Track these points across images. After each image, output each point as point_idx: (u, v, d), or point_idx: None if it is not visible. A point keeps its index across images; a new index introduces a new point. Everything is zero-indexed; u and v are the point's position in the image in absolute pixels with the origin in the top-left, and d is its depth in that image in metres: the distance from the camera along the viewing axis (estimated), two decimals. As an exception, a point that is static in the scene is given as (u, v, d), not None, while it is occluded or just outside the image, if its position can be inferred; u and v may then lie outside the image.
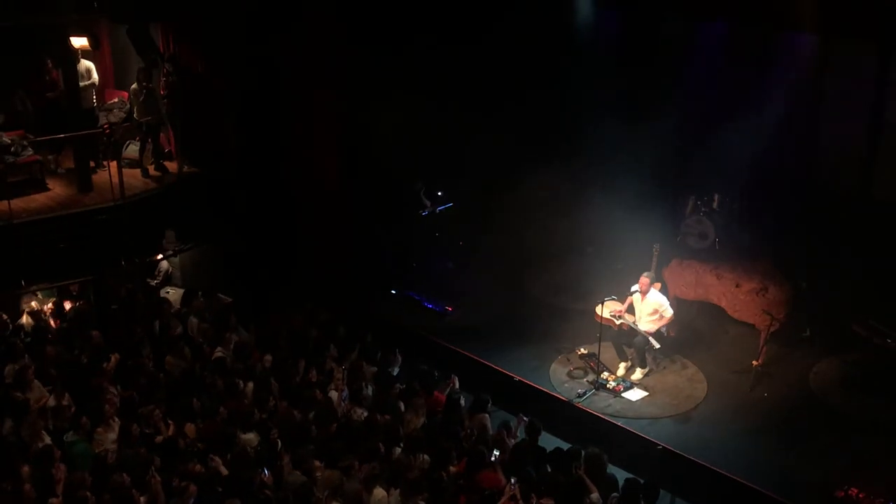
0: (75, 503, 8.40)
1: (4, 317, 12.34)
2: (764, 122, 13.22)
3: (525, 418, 10.08)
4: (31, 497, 8.50)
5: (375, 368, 11.20)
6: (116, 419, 9.83)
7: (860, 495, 9.54)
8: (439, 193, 15.15)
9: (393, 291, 14.41)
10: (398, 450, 9.55)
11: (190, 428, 9.83)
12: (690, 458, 10.40)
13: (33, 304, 13.30)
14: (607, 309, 11.90)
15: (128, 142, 13.88)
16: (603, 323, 11.85)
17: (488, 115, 14.56)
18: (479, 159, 14.69)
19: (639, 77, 13.93)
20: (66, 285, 13.28)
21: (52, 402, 10.11)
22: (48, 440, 9.47)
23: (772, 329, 11.82)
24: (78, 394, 10.34)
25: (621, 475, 9.42)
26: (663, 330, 11.86)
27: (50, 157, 13.70)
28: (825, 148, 13.59)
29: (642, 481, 8.99)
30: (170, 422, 9.89)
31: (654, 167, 14.01)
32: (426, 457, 9.42)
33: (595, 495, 8.77)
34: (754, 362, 11.79)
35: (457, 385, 10.85)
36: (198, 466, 9.01)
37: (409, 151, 14.27)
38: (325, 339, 11.68)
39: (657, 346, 11.74)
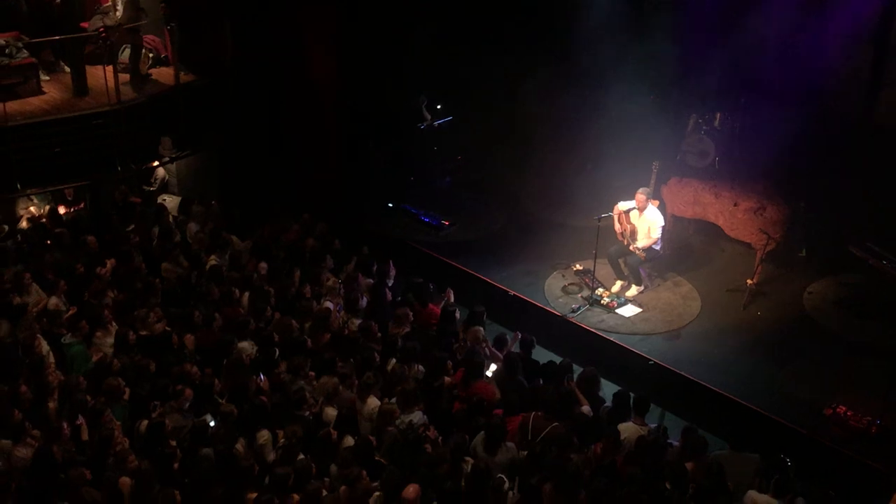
0: (72, 407, 8.50)
1: (-1, 223, 12.36)
2: (767, 40, 13.01)
3: (519, 334, 10.15)
4: (28, 398, 8.59)
5: (371, 280, 11.23)
6: (114, 323, 9.89)
7: (848, 413, 9.69)
8: (438, 107, 14.96)
9: (390, 205, 14.34)
10: (393, 360, 9.64)
11: (189, 338, 9.89)
12: (681, 373, 10.52)
13: (31, 209, 13.25)
14: (625, 205, 11.81)
15: (123, 46, 13.64)
16: (617, 220, 11.77)
17: (489, 28, 14.33)
18: (479, 73, 14.49)
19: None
20: (62, 190, 13.22)
21: (50, 305, 10.15)
22: (45, 344, 9.53)
23: (768, 248, 11.83)
24: (75, 298, 10.39)
25: (613, 389, 9.53)
26: (657, 247, 11.86)
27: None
28: (829, 69, 13.39)
29: (632, 394, 9.11)
30: (167, 328, 9.95)
31: (655, 85, 13.86)
32: (421, 367, 9.52)
33: (586, 407, 8.90)
34: (749, 281, 11.85)
35: (452, 298, 10.90)
36: (193, 368, 9.09)
37: (408, 62, 14.07)
38: (322, 250, 11.68)
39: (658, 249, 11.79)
